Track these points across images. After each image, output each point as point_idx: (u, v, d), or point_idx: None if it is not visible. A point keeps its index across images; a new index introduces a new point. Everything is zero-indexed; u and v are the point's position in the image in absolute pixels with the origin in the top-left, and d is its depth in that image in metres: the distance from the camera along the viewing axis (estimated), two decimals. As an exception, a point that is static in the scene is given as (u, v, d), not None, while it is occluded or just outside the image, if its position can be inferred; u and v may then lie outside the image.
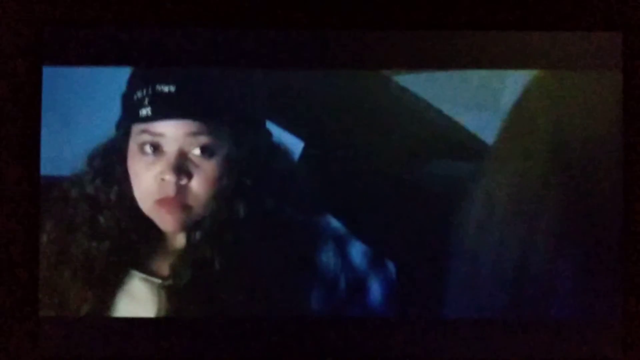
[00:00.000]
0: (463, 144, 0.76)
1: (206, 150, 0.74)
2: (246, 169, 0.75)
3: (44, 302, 0.76)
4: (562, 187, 0.74)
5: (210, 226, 0.74)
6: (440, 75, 0.76)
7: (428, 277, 0.75)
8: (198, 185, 0.74)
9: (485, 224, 0.75)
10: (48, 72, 0.76)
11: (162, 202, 0.74)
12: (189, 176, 0.73)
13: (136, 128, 0.74)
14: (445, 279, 0.75)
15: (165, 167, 0.73)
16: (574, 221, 0.74)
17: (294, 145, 0.76)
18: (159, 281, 0.75)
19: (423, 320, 0.76)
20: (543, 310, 0.75)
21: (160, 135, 0.73)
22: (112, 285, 0.75)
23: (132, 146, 0.74)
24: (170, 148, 0.73)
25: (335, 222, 0.75)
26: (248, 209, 0.74)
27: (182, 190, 0.73)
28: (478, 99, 0.76)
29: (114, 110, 0.75)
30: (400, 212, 0.75)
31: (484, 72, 0.76)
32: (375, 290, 0.75)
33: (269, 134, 0.76)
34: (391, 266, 0.75)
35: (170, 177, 0.73)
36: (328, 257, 0.75)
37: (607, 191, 0.75)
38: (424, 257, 0.75)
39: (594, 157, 0.75)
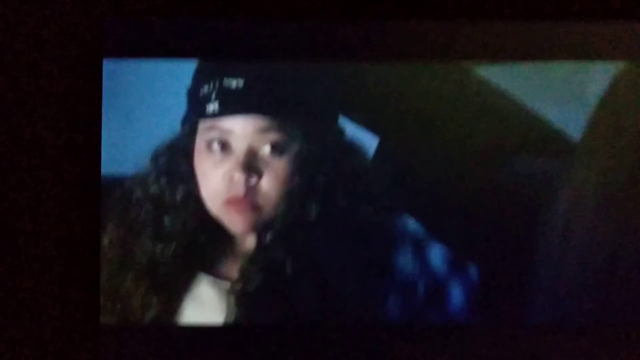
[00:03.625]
0: (548, 140, 0.72)
1: (277, 148, 0.70)
2: (318, 167, 0.71)
3: (105, 309, 0.72)
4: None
5: (281, 227, 0.70)
6: (523, 68, 0.72)
7: (512, 280, 0.71)
8: (268, 184, 0.70)
9: (571, 224, 0.71)
10: (109, 65, 0.73)
11: (231, 201, 0.70)
12: (259, 175, 0.70)
13: (203, 125, 0.71)
14: (530, 282, 0.71)
15: (234, 165, 0.70)
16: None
17: (369, 141, 0.73)
18: (228, 285, 0.71)
19: (506, 326, 0.72)
20: (633, 316, 0.71)
21: (229, 132, 0.70)
22: (178, 290, 0.72)
23: (199, 144, 0.71)
24: (239, 145, 0.70)
25: (413, 223, 0.71)
26: (321, 209, 0.71)
27: (252, 190, 0.70)
28: (563, 92, 0.72)
29: (179, 106, 0.72)
30: (482, 212, 0.71)
31: (569, 64, 0.72)
32: (456, 295, 0.71)
33: (341, 130, 0.72)
34: (473, 269, 0.71)
35: (239, 176, 0.69)
36: (406, 261, 0.71)
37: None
38: (507, 259, 0.71)
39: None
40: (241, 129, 0.70)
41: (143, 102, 0.73)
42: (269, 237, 0.71)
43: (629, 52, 0.72)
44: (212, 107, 0.70)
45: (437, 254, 0.71)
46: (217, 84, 0.70)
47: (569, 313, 0.71)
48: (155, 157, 0.72)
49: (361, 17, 0.73)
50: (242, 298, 0.71)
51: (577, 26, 0.72)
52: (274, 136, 0.70)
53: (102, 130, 0.72)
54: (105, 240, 0.72)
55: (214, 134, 0.70)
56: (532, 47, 0.72)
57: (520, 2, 0.73)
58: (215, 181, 0.70)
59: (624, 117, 0.71)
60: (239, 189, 0.70)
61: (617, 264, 0.71)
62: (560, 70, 0.72)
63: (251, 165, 0.70)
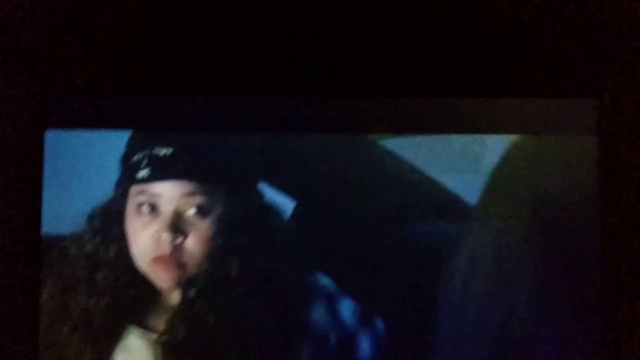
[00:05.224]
0: (446, 205, 0.79)
1: (201, 210, 0.77)
2: (239, 228, 0.78)
3: (43, 357, 0.78)
4: (542, 247, 0.77)
5: (204, 283, 0.77)
6: (424, 140, 0.79)
7: (416, 333, 0.77)
8: (193, 244, 0.77)
9: (469, 282, 0.78)
10: (51, 135, 0.80)
11: (158, 260, 0.77)
12: (185, 235, 0.77)
13: (134, 189, 0.78)
14: (433, 335, 0.77)
15: (161, 226, 0.77)
16: (554, 279, 0.77)
17: (286, 205, 0.79)
18: (155, 336, 0.77)
19: (410, 376, 0.78)
20: (526, 366, 0.77)
21: (157, 195, 0.77)
22: (110, 341, 0.77)
23: (130, 206, 0.78)
24: (167, 208, 0.77)
25: (325, 280, 0.78)
26: (241, 266, 0.77)
27: (177, 249, 0.76)
28: (460, 162, 0.79)
29: (114, 172, 0.79)
30: (388, 270, 0.78)
31: (465, 137, 0.79)
32: (365, 346, 0.77)
33: (261, 194, 0.79)
34: (380, 323, 0.77)
35: (166, 236, 0.76)
36: (318, 314, 0.77)
37: (585, 251, 0.78)
38: (411, 314, 0.77)
39: (572, 218, 0.78)
40: (169, 193, 0.77)
41: (81, 168, 0.79)
42: (193, 292, 0.77)
43: (520, 126, 0.79)
44: (143, 173, 0.77)
45: (347, 308, 0.78)
46: (147, 152, 0.78)
47: (467, 363, 0.78)
48: (91, 218, 0.78)
49: (278, 94, 0.80)
50: (169, 349, 0.77)
51: (473, 102, 0.80)
52: (198, 199, 0.77)
53: (44, 193, 0.79)
54: (44, 294, 0.78)
55: (143, 198, 0.77)
56: (432, 121, 0.79)
57: (420, 82, 0.80)
58: (144, 241, 0.77)
59: (516, 185, 0.78)
60: (165, 248, 0.76)
61: (511, 318, 0.77)
62: (458, 142, 0.79)
63: (177, 226, 0.77)
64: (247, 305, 0.77)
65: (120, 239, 0.78)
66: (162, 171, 0.77)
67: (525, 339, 0.77)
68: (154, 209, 0.77)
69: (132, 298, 0.78)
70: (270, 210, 0.79)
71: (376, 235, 0.79)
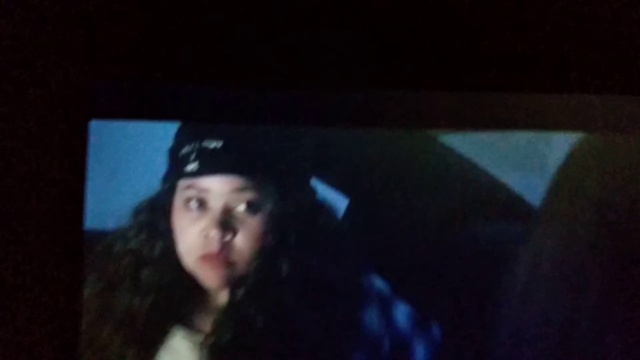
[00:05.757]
0: (509, 206, 0.75)
1: (251, 206, 0.74)
2: (290, 226, 0.74)
3: (83, 358, 0.75)
4: (608, 252, 0.74)
5: (253, 283, 0.73)
6: (486, 136, 0.76)
7: (473, 340, 0.74)
8: (243, 241, 0.73)
9: (530, 287, 0.74)
10: (95, 125, 0.77)
11: (206, 257, 0.73)
12: (234, 232, 0.73)
13: (182, 183, 0.74)
14: (491, 342, 0.74)
15: (210, 222, 0.73)
16: (621, 287, 0.74)
17: (339, 203, 0.76)
18: (201, 338, 0.74)
19: (467, 384, 0.75)
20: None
21: (206, 190, 0.74)
22: (153, 341, 0.74)
23: (178, 201, 0.75)
24: (216, 204, 0.73)
25: (379, 282, 0.75)
26: (292, 266, 0.74)
27: (226, 246, 0.73)
28: (524, 161, 0.76)
29: (161, 165, 0.75)
30: (445, 274, 0.74)
31: (530, 134, 0.76)
32: (420, 353, 0.74)
33: (313, 190, 0.76)
34: (436, 329, 0.74)
35: (215, 233, 0.73)
36: (372, 318, 0.74)
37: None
38: (469, 319, 0.74)
39: (639, 220, 0.75)
40: (218, 188, 0.74)
41: (126, 160, 0.76)
42: (241, 292, 0.73)
43: (587, 124, 0.76)
44: (192, 166, 0.74)
45: (402, 313, 0.74)
46: (197, 145, 0.74)
47: (528, 373, 0.74)
48: (136, 213, 0.75)
49: (333, 86, 0.77)
50: (215, 351, 0.73)
51: (538, 98, 0.76)
52: (249, 195, 0.74)
53: (87, 187, 0.76)
54: (86, 292, 0.75)
55: (192, 192, 0.74)
56: (495, 117, 0.76)
57: (483, 76, 0.77)
58: (192, 237, 0.74)
59: (581, 186, 0.75)
60: (214, 246, 0.73)
61: (574, 327, 0.73)
62: (522, 140, 0.76)
63: (226, 223, 0.73)
64: (297, 307, 0.74)
65: (166, 235, 0.74)
66: (211, 165, 0.74)
67: (589, 349, 0.74)
68: (202, 204, 0.74)
69: (178, 297, 0.75)
70: (323, 208, 0.75)
71: (433, 236, 0.75)
